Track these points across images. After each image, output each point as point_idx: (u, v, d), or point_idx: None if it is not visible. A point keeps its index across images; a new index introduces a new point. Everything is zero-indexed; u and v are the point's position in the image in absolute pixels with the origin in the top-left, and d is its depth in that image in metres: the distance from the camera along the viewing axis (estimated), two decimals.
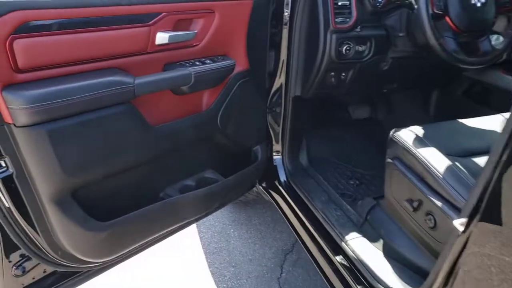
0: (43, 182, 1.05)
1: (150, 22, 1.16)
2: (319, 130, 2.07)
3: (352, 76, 1.62)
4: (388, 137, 1.33)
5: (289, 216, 1.70)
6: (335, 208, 1.58)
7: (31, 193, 1.07)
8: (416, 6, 1.39)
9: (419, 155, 1.21)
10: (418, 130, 1.31)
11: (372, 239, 1.40)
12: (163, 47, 1.22)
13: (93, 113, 1.08)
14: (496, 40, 1.39)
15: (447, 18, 1.30)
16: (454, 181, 1.11)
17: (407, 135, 1.28)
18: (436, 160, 1.18)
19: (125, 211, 1.25)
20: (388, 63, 1.60)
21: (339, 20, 1.46)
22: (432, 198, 1.14)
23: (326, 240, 1.48)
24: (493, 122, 1.36)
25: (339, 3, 1.46)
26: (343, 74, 1.61)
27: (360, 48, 1.52)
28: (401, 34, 1.49)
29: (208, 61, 1.35)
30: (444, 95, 1.85)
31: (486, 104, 1.70)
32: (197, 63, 1.32)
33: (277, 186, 1.77)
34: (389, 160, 1.32)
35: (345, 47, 1.49)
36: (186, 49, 1.30)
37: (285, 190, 1.74)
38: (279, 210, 1.76)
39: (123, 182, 1.26)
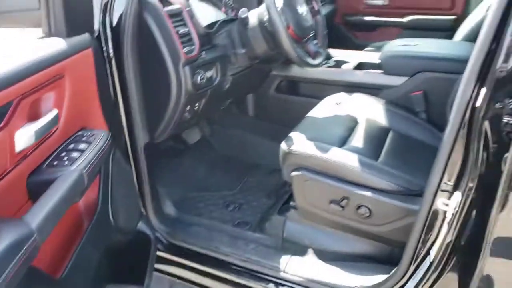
0: None
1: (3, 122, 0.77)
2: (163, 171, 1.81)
3: (204, 104, 1.50)
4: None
5: (197, 281, 1.45)
6: (245, 243, 1.46)
7: None
8: (249, 22, 1.42)
9: (326, 157, 1.27)
10: (299, 135, 1.36)
11: (302, 252, 1.40)
12: (27, 152, 0.86)
13: None
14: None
15: (291, 31, 1.38)
16: (370, 169, 1.25)
17: (299, 143, 1.32)
18: (340, 156, 1.28)
19: None
20: (228, 82, 1.56)
21: (186, 49, 1.29)
22: (359, 192, 1.25)
23: (259, 281, 1.37)
24: (326, 110, 1.57)
25: (180, 32, 1.30)
26: (197, 104, 1.46)
27: (209, 74, 1.42)
28: (242, 51, 1.47)
29: (82, 145, 0.96)
30: (259, 96, 1.98)
31: (295, 94, 1.94)
32: (73, 153, 0.93)
33: (160, 257, 1.47)
34: (295, 173, 1.32)
35: (199, 77, 1.35)
36: (46, 141, 0.93)
37: (173, 254, 1.47)
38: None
39: None
